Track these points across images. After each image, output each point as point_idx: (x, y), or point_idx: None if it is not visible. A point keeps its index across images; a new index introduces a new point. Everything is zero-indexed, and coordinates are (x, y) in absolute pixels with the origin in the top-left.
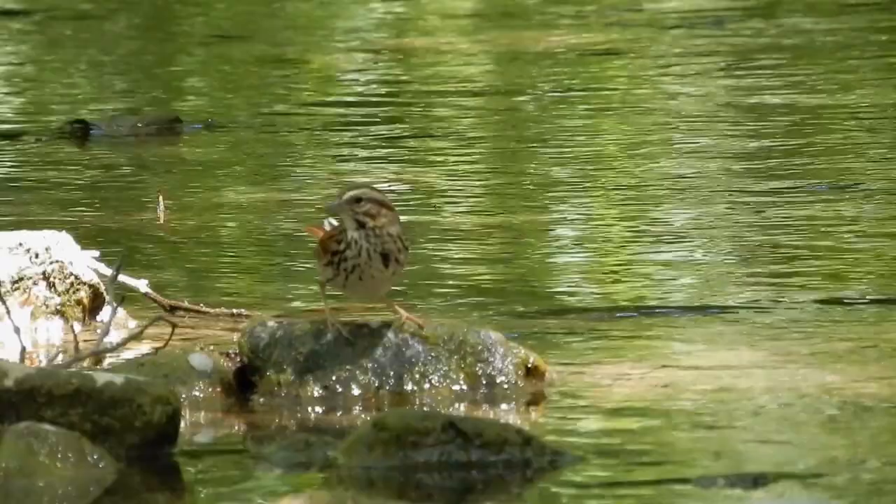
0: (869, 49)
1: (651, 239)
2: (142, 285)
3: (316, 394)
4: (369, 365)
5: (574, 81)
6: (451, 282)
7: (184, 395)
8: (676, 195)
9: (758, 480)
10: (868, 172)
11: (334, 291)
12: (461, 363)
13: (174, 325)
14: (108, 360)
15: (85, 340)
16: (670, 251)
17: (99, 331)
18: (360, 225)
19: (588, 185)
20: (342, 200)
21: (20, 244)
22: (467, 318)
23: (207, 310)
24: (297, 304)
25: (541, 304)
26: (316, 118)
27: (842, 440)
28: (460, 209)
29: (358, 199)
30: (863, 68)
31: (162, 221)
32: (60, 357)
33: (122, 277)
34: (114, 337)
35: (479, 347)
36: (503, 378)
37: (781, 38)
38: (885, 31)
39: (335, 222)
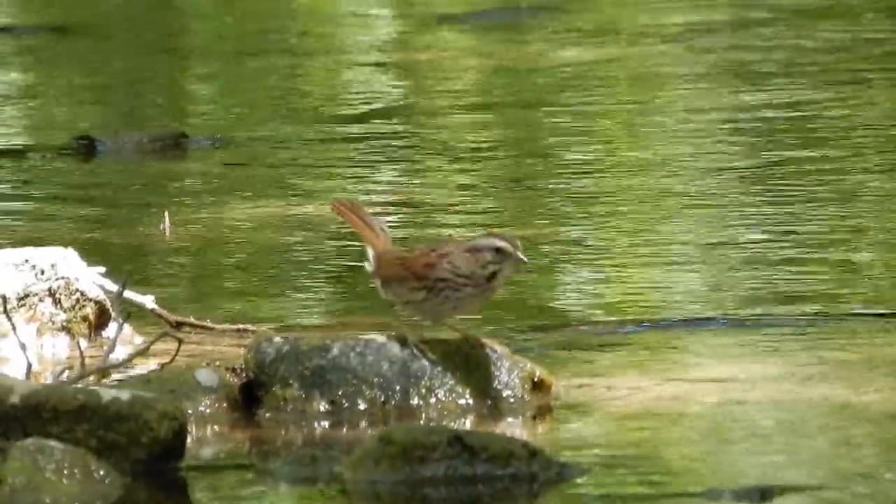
0: (875, 61)
1: (658, 252)
2: (148, 301)
3: (322, 409)
4: (375, 379)
5: (580, 95)
6: None
7: (190, 411)
8: (684, 208)
9: (765, 494)
10: (873, 185)
11: (404, 312)
12: (467, 377)
13: (180, 341)
14: (115, 376)
15: (91, 357)
16: (677, 264)
17: (105, 347)
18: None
19: (595, 198)
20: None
21: (26, 261)
22: (476, 332)
23: (213, 325)
24: (302, 319)
25: (548, 317)
26: (322, 132)
27: (849, 453)
28: (467, 223)
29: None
30: (868, 81)
31: (168, 237)
32: (66, 373)
33: (127, 293)
34: (120, 353)
35: (485, 361)
36: (509, 392)
37: (786, 51)
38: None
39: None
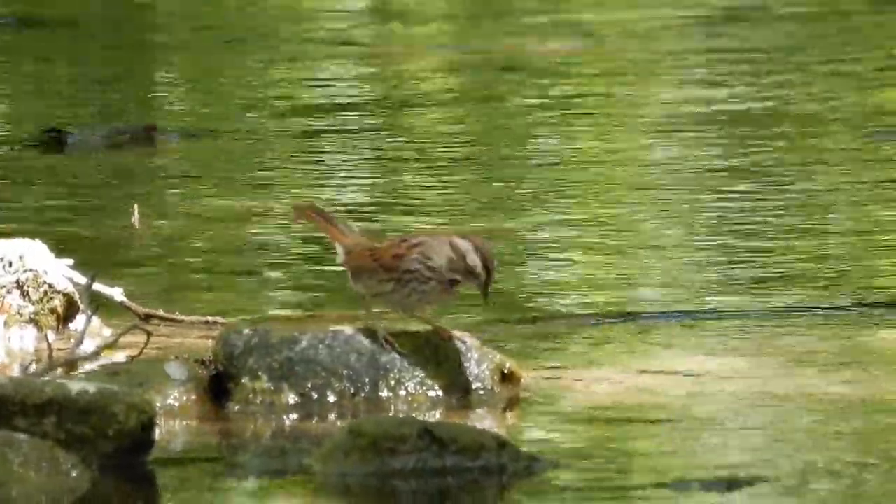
0: (843, 55)
1: (627, 244)
2: (116, 294)
3: (291, 401)
4: (344, 372)
5: (552, 89)
6: None
7: (159, 404)
8: (653, 201)
9: (733, 485)
10: (848, 179)
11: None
12: (437, 369)
13: (149, 334)
14: (83, 369)
15: (59, 349)
16: (648, 257)
17: (73, 339)
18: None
19: (566, 191)
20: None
21: None
22: (446, 324)
23: (182, 318)
24: (271, 311)
25: (517, 309)
26: (293, 126)
27: (817, 445)
28: (438, 216)
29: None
30: (839, 75)
31: (137, 230)
32: (34, 366)
33: (96, 286)
34: (88, 346)
35: (455, 353)
36: (479, 384)
37: (758, 44)
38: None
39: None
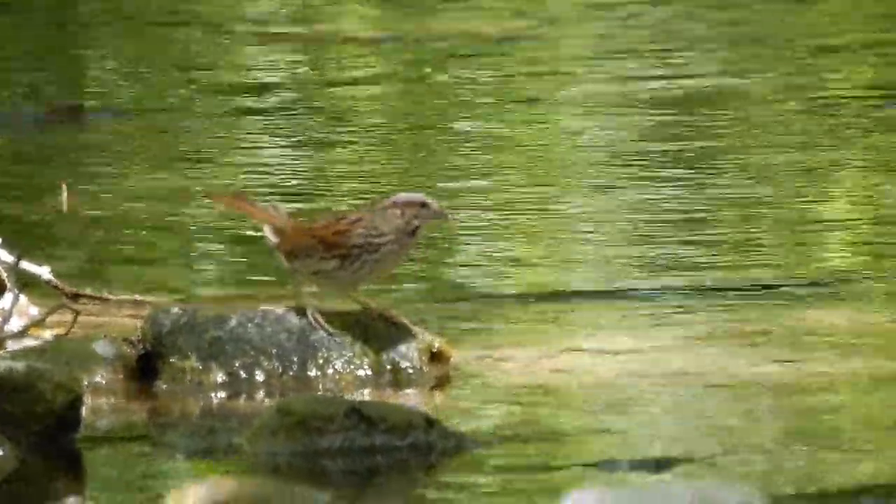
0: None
1: (555, 225)
2: (44, 272)
3: (220, 380)
4: (273, 351)
5: (477, 69)
6: None
7: (87, 382)
8: (580, 183)
9: (660, 464)
10: (768, 159)
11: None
12: (365, 348)
13: (77, 313)
14: (10, 347)
15: None
16: (575, 238)
17: (0, 318)
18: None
19: (492, 171)
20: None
21: None
22: (376, 303)
23: (110, 297)
24: (200, 291)
25: (445, 289)
26: (222, 105)
27: (745, 424)
28: (364, 195)
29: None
30: (764, 57)
31: (65, 209)
32: None
33: (23, 264)
34: (15, 324)
35: (384, 332)
36: (408, 363)
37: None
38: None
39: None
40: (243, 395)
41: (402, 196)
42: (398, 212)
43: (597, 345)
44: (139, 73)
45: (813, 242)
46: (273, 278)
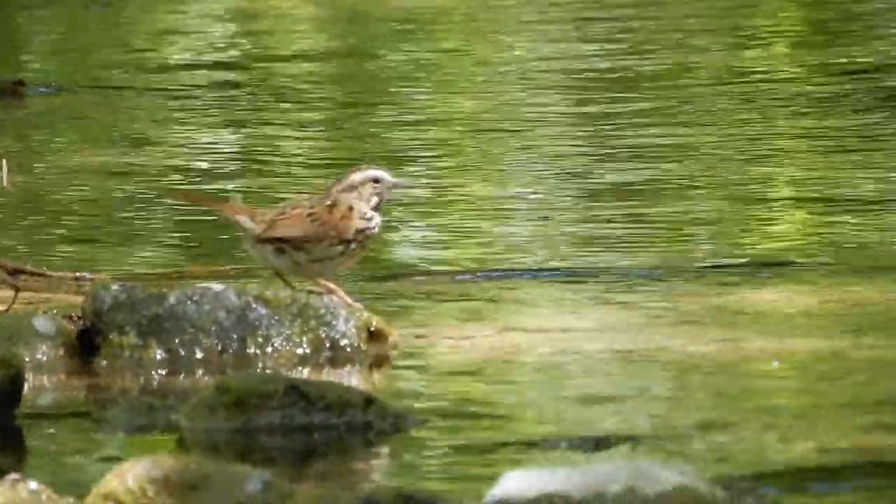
0: (709, 12)
1: (495, 203)
2: None
3: (159, 357)
4: (212, 328)
5: (419, 45)
6: None
7: (27, 358)
8: (522, 160)
9: (600, 443)
10: (711, 136)
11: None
12: (304, 326)
13: (17, 289)
14: None
15: None
16: (515, 215)
17: None
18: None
19: (433, 149)
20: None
21: None
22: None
23: (51, 273)
24: (140, 268)
25: (384, 267)
26: (161, 81)
27: (684, 404)
28: (306, 172)
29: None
30: (702, 33)
31: (5, 185)
32: None
33: None
34: None
35: (322, 311)
36: (346, 341)
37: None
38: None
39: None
40: (182, 373)
41: (354, 177)
42: (359, 194)
43: (537, 323)
44: (76, 49)
45: (753, 222)
46: (212, 256)
